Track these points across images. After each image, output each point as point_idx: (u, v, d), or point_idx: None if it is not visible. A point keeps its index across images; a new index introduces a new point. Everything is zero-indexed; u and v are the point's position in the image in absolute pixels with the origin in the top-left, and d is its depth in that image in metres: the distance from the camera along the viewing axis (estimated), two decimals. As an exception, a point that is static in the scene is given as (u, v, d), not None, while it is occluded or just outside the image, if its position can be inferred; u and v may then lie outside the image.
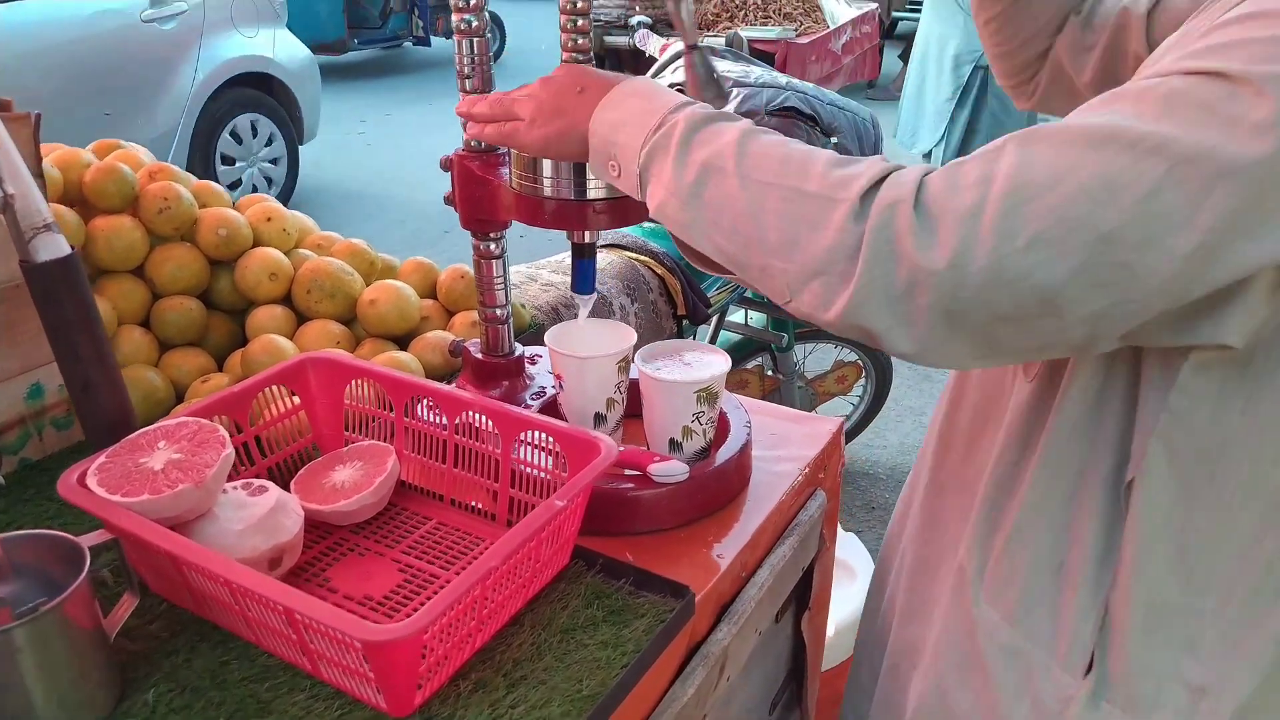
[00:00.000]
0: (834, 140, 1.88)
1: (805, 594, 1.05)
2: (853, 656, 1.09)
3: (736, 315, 2.23)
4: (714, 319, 2.17)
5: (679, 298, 1.69)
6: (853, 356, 2.50)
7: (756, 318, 2.25)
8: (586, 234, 0.90)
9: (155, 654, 0.75)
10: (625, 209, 0.86)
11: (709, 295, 1.78)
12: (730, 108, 1.70)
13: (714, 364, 0.92)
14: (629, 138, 0.73)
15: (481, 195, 0.92)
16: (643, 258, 1.69)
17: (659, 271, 1.68)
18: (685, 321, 1.73)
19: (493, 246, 0.98)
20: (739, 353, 2.24)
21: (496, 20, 8.26)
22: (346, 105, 6.98)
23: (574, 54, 0.90)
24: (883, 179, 0.61)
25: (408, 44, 8.85)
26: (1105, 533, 0.71)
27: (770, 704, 1.07)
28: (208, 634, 0.77)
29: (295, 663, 0.72)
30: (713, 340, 2.13)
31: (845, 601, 1.55)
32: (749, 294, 2.11)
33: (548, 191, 0.85)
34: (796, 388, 2.40)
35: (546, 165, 0.84)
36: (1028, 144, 0.58)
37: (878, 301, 0.60)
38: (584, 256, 0.92)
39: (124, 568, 0.75)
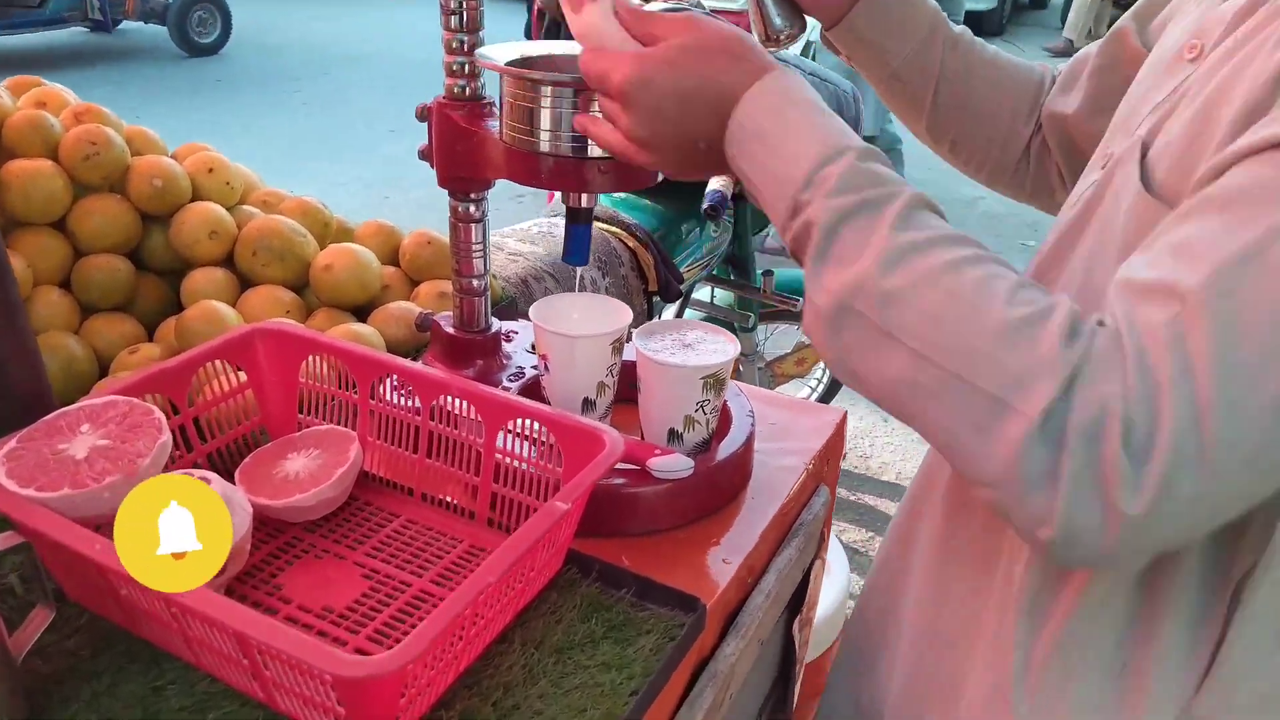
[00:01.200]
0: None
1: (800, 596, 0.97)
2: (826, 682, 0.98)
3: (701, 293, 2.14)
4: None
5: (651, 273, 1.59)
6: (815, 339, 2.44)
7: (723, 296, 2.16)
8: (585, 197, 0.80)
9: (73, 677, 0.63)
10: (632, 172, 0.76)
11: (681, 271, 1.69)
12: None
13: (722, 348, 0.83)
14: (770, 198, 0.60)
15: (465, 150, 0.81)
16: (614, 229, 1.59)
17: (631, 244, 1.58)
18: (656, 298, 1.63)
19: (473, 209, 0.87)
20: (702, 332, 2.15)
21: (221, 6, 7.08)
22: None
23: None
24: (1070, 383, 0.48)
25: (80, 28, 6.98)
26: (1190, 630, 0.60)
27: (758, 711, 0.99)
28: (138, 652, 0.65)
29: (244, 689, 0.61)
30: (678, 317, 2.04)
31: (822, 594, 1.49)
32: (717, 271, 2.02)
33: (545, 146, 0.75)
34: (756, 369, 2.33)
35: (545, 116, 0.73)
36: (1209, 308, 0.47)
37: (1082, 550, 0.50)
38: (579, 222, 0.82)
39: (36, 574, 0.63)
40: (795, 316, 2.31)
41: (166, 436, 0.67)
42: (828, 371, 2.52)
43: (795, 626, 0.98)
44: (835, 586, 1.50)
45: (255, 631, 0.53)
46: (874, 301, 0.53)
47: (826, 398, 2.57)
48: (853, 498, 2.52)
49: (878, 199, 0.56)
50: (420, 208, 4.22)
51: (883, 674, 0.82)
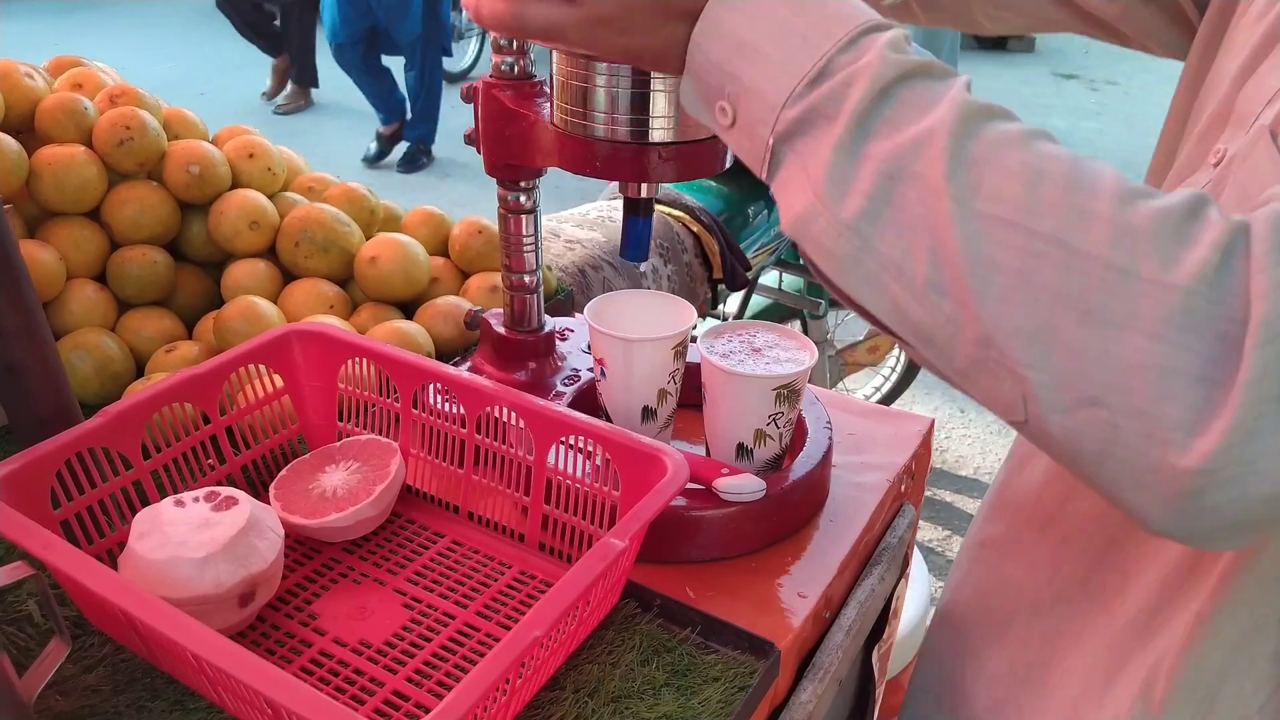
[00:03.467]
0: None
1: (881, 623, 0.88)
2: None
3: (769, 278, 2.05)
4: (745, 282, 1.98)
5: (716, 259, 1.51)
6: (887, 324, 2.32)
7: (791, 281, 2.06)
8: (644, 187, 0.71)
9: (92, 715, 0.58)
10: (698, 158, 0.68)
11: (748, 257, 1.60)
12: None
13: (797, 355, 0.74)
14: (762, 75, 0.46)
15: (513, 134, 0.73)
16: (676, 212, 1.50)
17: (694, 229, 1.50)
18: (721, 286, 1.55)
19: (523, 199, 0.80)
20: (768, 319, 2.06)
21: None
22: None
23: None
24: (1231, 244, 0.37)
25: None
26: None
27: (831, 745, 0.91)
28: (161, 689, 0.60)
29: (269, 738, 0.55)
30: (744, 306, 1.95)
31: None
32: (784, 255, 1.92)
33: (600, 131, 0.67)
34: (826, 357, 2.22)
35: (600, 96, 0.65)
36: None
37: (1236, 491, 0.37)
38: (639, 214, 0.74)
39: (48, 603, 0.58)
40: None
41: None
42: (901, 361, 2.40)
43: (875, 656, 0.89)
44: (916, 598, 1.40)
45: (284, 697, 0.46)
46: (944, 165, 0.41)
47: (900, 388, 2.46)
48: (927, 494, 2.41)
49: (941, 70, 0.45)
50: (484, 185, 4.17)
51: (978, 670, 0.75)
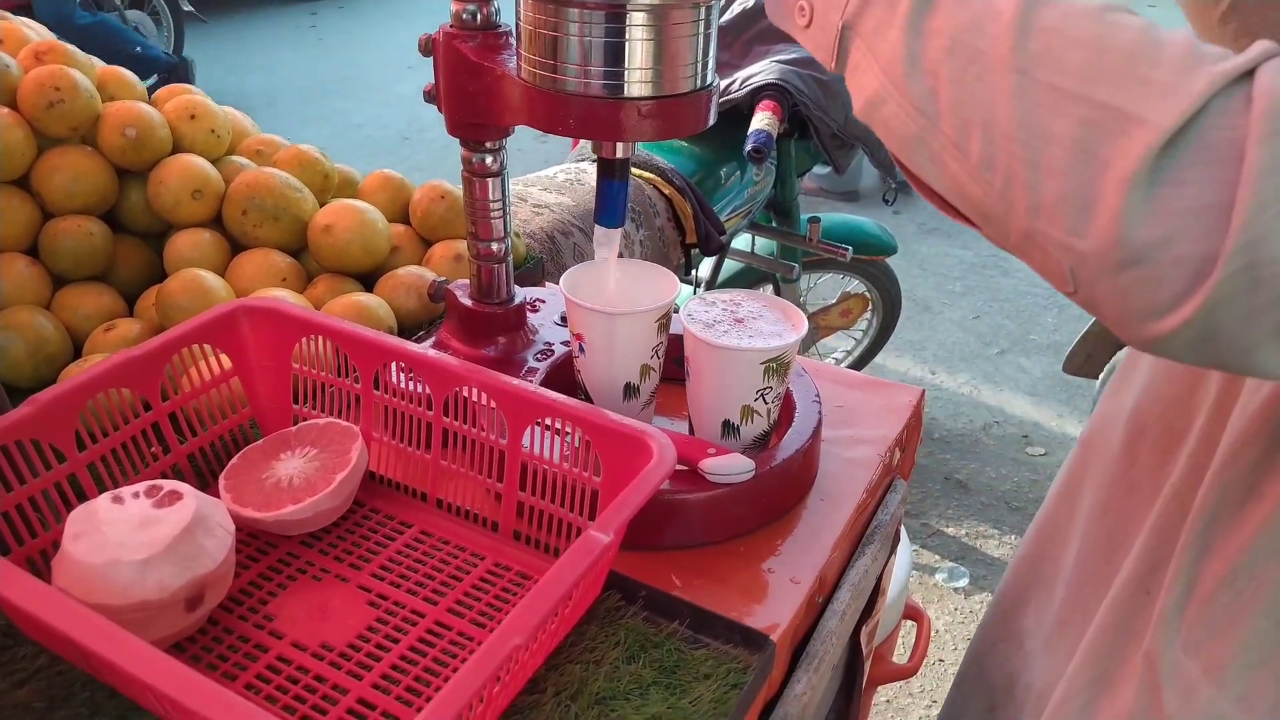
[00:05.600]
0: None
1: (871, 602, 0.85)
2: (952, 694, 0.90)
3: (741, 241, 2.00)
4: (716, 245, 1.93)
5: (689, 223, 1.45)
6: (861, 288, 2.29)
7: (764, 244, 2.01)
8: (620, 147, 0.66)
9: (23, 736, 0.53)
10: (680, 114, 0.62)
11: (721, 220, 1.55)
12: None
13: (785, 328, 0.70)
14: None
15: (477, 89, 0.67)
16: (647, 174, 1.45)
17: (667, 191, 1.44)
18: (694, 251, 1.50)
19: (489, 160, 0.74)
20: (740, 283, 2.01)
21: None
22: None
23: None
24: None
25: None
26: None
27: (821, 728, 0.89)
28: (104, 703, 0.55)
29: (223, 758, 0.50)
30: (716, 271, 1.90)
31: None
32: (758, 218, 1.88)
33: (572, 85, 0.61)
34: (799, 321, 2.19)
35: (573, 46, 0.60)
36: None
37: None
38: (614, 177, 0.68)
39: (-27, 616, 0.53)
40: (841, 265, 2.17)
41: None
42: (874, 324, 2.37)
43: (863, 635, 0.86)
44: (898, 567, 1.37)
45: (214, 713, 0.42)
46: (1010, 37, 0.40)
47: (872, 351, 2.43)
48: (898, 454, 2.40)
49: None
50: (445, 149, 4.06)
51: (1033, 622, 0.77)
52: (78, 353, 0.85)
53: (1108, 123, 0.38)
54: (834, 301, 2.29)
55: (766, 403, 0.70)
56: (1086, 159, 0.38)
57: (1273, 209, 0.35)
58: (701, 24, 0.60)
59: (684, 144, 1.59)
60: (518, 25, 0.62)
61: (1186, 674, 0.58)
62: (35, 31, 0.97)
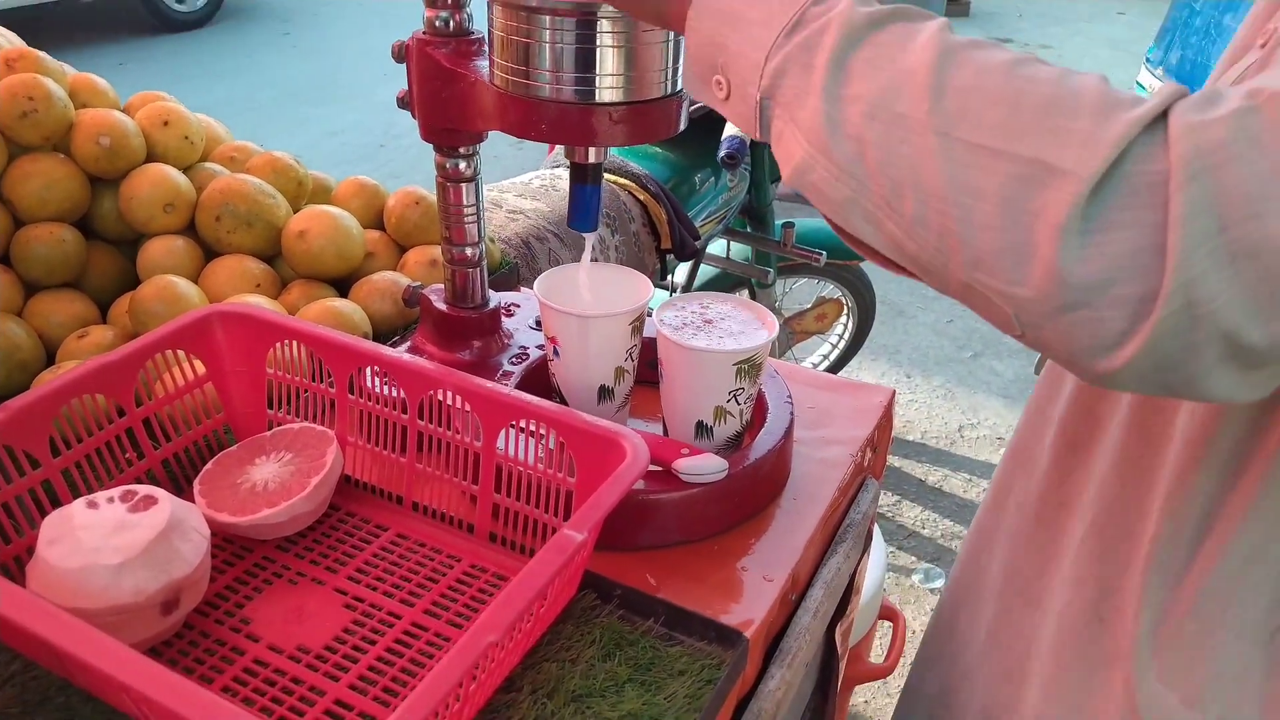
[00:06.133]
0: None
1: (845, 600, 0.86)
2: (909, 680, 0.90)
3: (715, 246, 2.01)
4: (691, 251, 1.94)
5: (664, 229, 1.47)
6: (836, 293, 2.31)
7: (739, 249, 2.03)
8: (592, 152, 0.67)
9: (-3, 743, 0.53)
10: (651, 119, 0.64)
11: (696, 226, 1.56)
12: None
13: (757, 327, 0.71)
14: (746, 39, 0.47)
15: (450, 95, 0.68)
16: (622, 180, 1.46)
17: (641, 197, 1.45)
18: (669, 257, 1.51)
19: (462, 165, 0.75)
20: (716, 289, 2.02)
21: None
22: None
23: None
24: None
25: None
26: None
27: (796, 725, 0.90)
28: (79, 707, 0.55)
29: (199, 760, 0.50)
30: (692, 276, 1.91)
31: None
32: (733, 223, 1.89)
33: (545, 92, 0.62)
34: (775, 326, 2.20)
35: (545, 54, 0.60)
36: None
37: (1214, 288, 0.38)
38: (587, 182, 0.69)
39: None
40: (816, 270, 2.18)
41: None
42: (849, 328, 2.39)
43: (837, 634, 0.87)
44: (872, 568, 1.39)
45: (193, 713, 0.42)
46: (926, 100, 0.41)
47: (848, 355, 2.45)
48: (874, 457, 2.42)
49: (919, 14, 0.45)
50: (420, 155, 4.05)
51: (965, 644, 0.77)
52: (51, 360, 0.84)
53: (1033, 176, 0.39)
54: (809, 306, 2.31)
55: (739, 403, 0.71)
56: (1017, 213, 0.39)
57: (1202, 249, 0.36)
58: (671, 31, 0.61)
59: (659, 150, 1.61)
60: (490, 32, 0.63)
61: (1165, 704, 0.59)
62: (6, 39, 0.97)
